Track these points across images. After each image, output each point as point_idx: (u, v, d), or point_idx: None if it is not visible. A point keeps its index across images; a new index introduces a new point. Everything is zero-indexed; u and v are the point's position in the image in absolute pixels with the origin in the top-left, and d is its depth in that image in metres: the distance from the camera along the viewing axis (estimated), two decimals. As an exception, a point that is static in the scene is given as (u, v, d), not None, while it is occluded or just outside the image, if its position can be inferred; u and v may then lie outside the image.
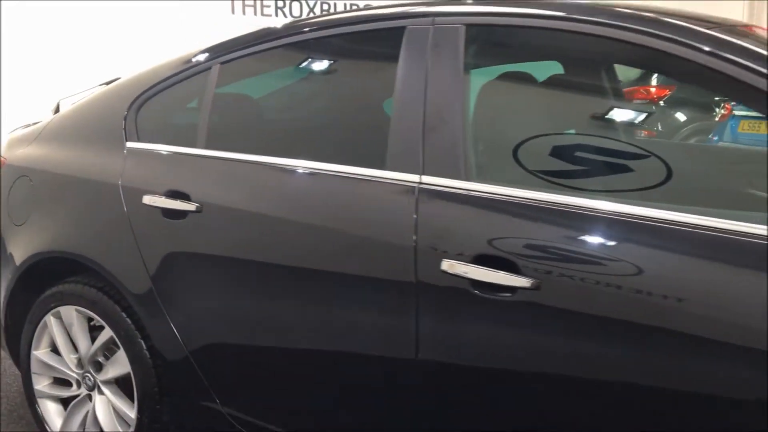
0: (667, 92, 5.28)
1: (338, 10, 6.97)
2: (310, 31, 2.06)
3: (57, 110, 2.64)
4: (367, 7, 2.54)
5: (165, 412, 2.15)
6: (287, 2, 6.74)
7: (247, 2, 6.63)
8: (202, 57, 2.18)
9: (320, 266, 1.81)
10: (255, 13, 6.70)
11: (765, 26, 10.48)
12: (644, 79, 7.28)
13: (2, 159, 2.59)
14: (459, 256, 1.56)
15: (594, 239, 1.49)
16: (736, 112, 6.63)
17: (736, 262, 1.35)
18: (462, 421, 1.65)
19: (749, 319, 1.30)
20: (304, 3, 6.81)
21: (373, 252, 1.71)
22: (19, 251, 2.39)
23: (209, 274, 2.02)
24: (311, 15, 6.89)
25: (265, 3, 6.71)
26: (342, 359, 1.81)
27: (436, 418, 1.69)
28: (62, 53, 5.90)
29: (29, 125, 2.69)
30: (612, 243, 1.47)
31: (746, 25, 2.00)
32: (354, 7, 6.49)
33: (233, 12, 6.63)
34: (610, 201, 1.48)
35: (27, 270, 2.36)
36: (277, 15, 6.78)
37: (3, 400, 2.88)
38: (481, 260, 1.54)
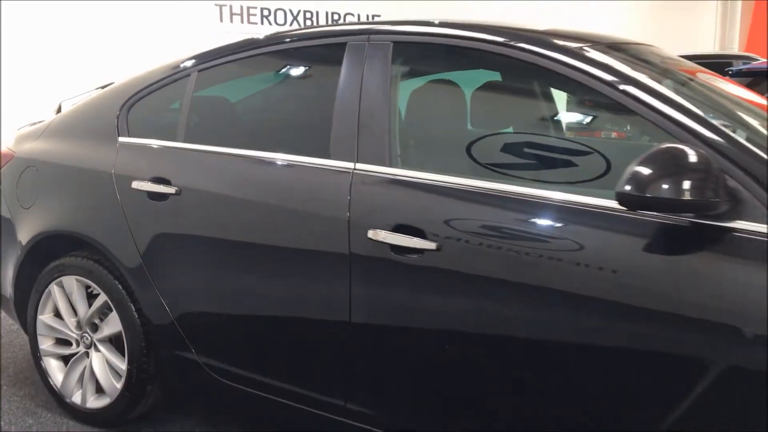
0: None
1: (320, 18, 7.38)
2: (273, 44, 2.46)
3: (59, 110, 3.04)
4: (333, 23, 2.92)
5: (151, 364, 2.55)
6: (272, 11, 7.15)
7: (234, 11, 7.03)
8: (182, 65, 2.59)
9: (276, 241, 2.21)
10: (242, 21, 7.12)
11: (738, 26, 10.74)
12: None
13: (12, 152, 2.99)
14: (381, 227, 1.96)
15: (485, 211, 1.89)
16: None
17: (597, 225, 1.74)
18: (386, 370, 2.05)
19: (620, 273, 1.68)
20: (288, 12, 7.23)
21: (317, 227, 2.11)
22: (27, 230, 2.78)
23: (187, 247, 2.41)
24: (295, 23, 7.29)
25: (251, 12, 7.12)
26: (293, 319, 2.20)
27: (367, 367, 2.08)
28: (60, 59, 6.29)
29: (35, 123, 3.09)
30: (499, 214, 1.86)
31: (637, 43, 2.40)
32: (335, 16, 6.92)
33: (221, 20, 7.04)
34: (498, 182, 1.88)
35: (34, 246, 2.75)
36: (262, 23, 7.21)
37: (11, 365, 3.27)
38: (398, 229, 1.94)
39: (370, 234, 1.97)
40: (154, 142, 2.56)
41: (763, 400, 1.53)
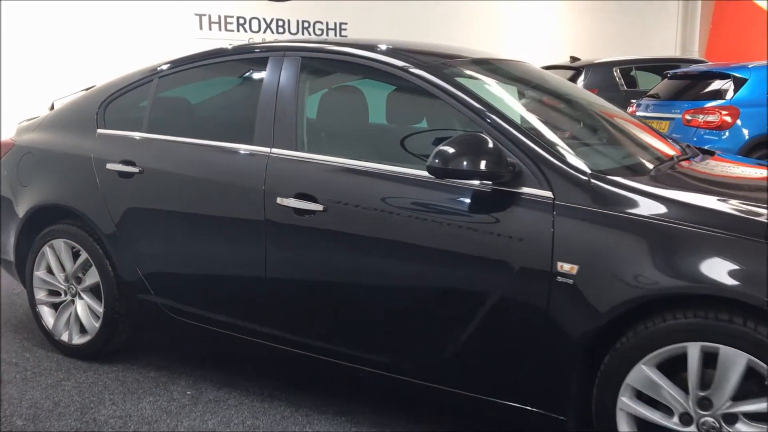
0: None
1: (291, 26, 8.06)
2: (216, 57, 3.16)
3: (52, 107, 3.74)
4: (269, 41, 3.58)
5: (122, 307, 3.24)
6: (248, 19, 7.84)
7: (213, 20, 7.72)
8: (148, 72, 3.28)
9: (214, 209, 2.89)
10: (220, 29, 7.82)
11: (697, 28, 11.42)
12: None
13: (13, 142, 3.69)
14: (287, 195, 2.66)
15: (358, 182, 2.57)
16: (639, 113, 7.75)
17: (424, 189, 2.43)
18: (294, 314, 2.75)
19: (442, 226, 2.38)
20: (261, 20, 7.93)
21: (242, 197, 2.80)
22: (25, 205, 3.48)
23: (148, 215, 3.10)
24: (268, 30, 7.95)
25: (228, 21, 7.82)
26: (227, 266, 2.89)
27: (281, 312, 2.79)
28: (53, 62, 6.99)
29: (32, 118, 3.79)
30: (367, 183, 2.55)
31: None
32: (305, 23, 7.61)
33: (201, 28, 7.73)
34: (369, 161, 2.58)
35: (30, 217, 3.45)
36: (238, 31, 7.91)
37: (12, 317, 3.97)
38: (298, 196, 2.64)
39: (279, 200, 2.67)
40: (125, 133, 3.25)
41: (527, 323, 2.22)
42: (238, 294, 2.90)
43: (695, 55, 11.53)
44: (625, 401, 2.12)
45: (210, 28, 7.72)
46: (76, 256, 3.37)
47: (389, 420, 2.75)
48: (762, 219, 2.07)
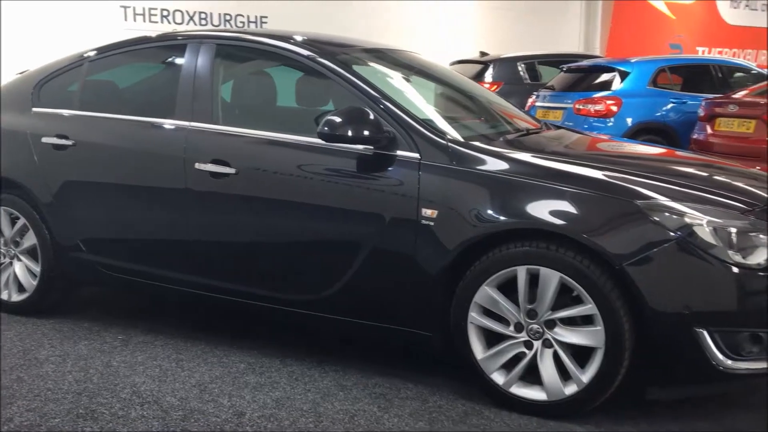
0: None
1: (213, 19, 8.45)
2: (141, 44, 3.60)
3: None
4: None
5: (57, 265, 3.63)
6: (171, 11, 8.19)
7: (137, 12, 8.04)
8: (79, 56, 3.68)
9: (140, 175, 3.33)
10: (144, 21, 8.14)
11: (599, 27, 12.31)
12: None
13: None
14: (204, 161, 3.13)
15: (264, 149, 3.07)
16: (537, 103, 8.45)
17: (316, 153, 2.95)
18: (211, 268, 3.22)
19: (330, 184, 2.91)
20: (185, 12, 8.29)
21: (165, 164, 3.25)
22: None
23: (80, 183, 3.51)
24: (191, 22, 8.31)
25: (152, 12, 8.15)
26: (153, 230, 3.33)
27: (203, 266, 3.25)
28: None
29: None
30: (273, 150, 3.05)
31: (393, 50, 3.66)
32: (227, 16, 8.02)
33: (126, 19, 8.03)
34: (272, 131, 3.08)
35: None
36: (162, 22, 8.25)
37: None
38: (214, 161, 3.11)
39: (197, 165, 3.14)
40: (58, 111, 3.64)
41: (400, 259, 2.77)
42: (162, 246, 3.35)
43: (597, 52, 12.42)
44: (474, 316, 2.70)
45: (135, 20, 8.03)
46: (14, 222, 3.74)
47: (289, 350, 3.26)
48: (578, 172, 2.69)
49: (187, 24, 8.23)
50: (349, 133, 2.78)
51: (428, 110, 3.10)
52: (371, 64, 3.40)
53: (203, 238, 3.23)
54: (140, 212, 3.36)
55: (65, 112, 3.62)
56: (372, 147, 2.85)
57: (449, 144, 2.81)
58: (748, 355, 2.48)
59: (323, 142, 2.88)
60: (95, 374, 3.02)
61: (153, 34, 3.65)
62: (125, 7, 7.79)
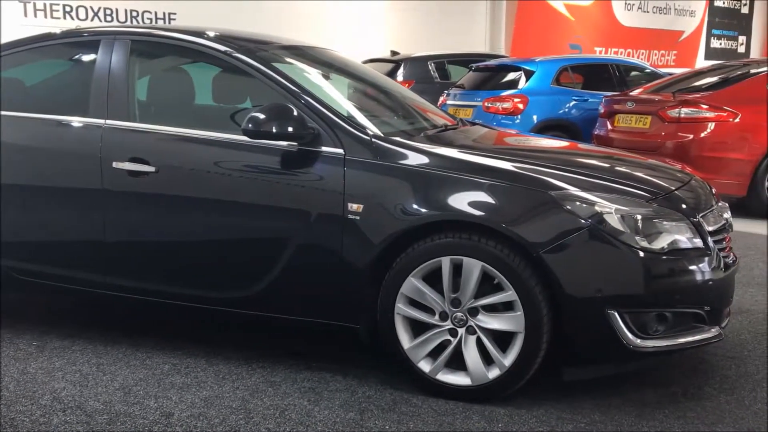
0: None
1: (119, 15, 8.21)
2: (51, 40, 3.48)
3: None
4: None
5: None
6: (74, 7, 7.90)
7: (38, 7, 7.71)
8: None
9: (54, 175, 3.22)
10: (45, 16, 7.81)
11: (503, 27, 12.77)
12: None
13: None
14: (121, 159, 3.07)
15: (185, 147, 3.05)
16: (448, 101, 8.64)
17: (240, 151, 2.95)
18: (133, 269, 3.16)
19: (257, 182, 2.90)
20: (89, 9, 8.02)
21: (80, 163, 3.16)
22: None
23: (8, 189, 3.35)
24: (96, 19, 8.04)
25: (54, 8, 7.83)
26: (70, 232, 3.23)
27: (124, 268, 3.18)
28: None
29: None
30: (194, 148, 3.03)
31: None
32: (134, 13, 7.81)
33: (26, 15, 7.69)
34: (193, 129, 3.05)
35: None
36: (65, 18, 7.95)
37: None
38: (132, 160, 3.06)
39: (114, 164, 3.08)
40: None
41: (326, 254, 2.80)
42: (80, 249, 3.26)
43: (501, 52, 12.82)
44: (401, 306, 2.77)
45: (36, 16, 7.69)
46: None
47: (215, 349, 3.24)
48: (495, 165, 2.81)
49: (92, 21, 7.95)
50: (274, 130, 2.79)
51: (350, 107, 3.15)
52: (291, 60, 3.42)
53: (123, 239, 3.16)
54: (55, 214, 3.25)
55: (-31, 111, 3.46)
56: (296, 143, 2.88)
57: (373, 140, 2.87)
58: (655, 334, 2.67)
59: (247, 138, 2.88)
60: (11, 382, 2.91)
61: (58, 31, 3.54)
62: (25, 3, 7.45)
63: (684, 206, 2.79)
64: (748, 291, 4.21)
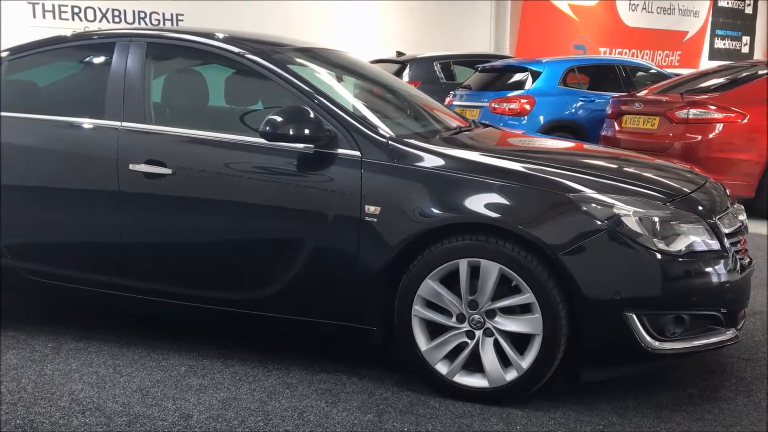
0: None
1: (127, 16, 8.22)
2: (65, 42, 3.49)
3: None
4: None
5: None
6: (83, 8, 7.90)
7: (47, 9, 7.72)
8: (-3, 56, 3.54)
9: (70, 179, 3.23)
10: (54, 17, 7.82)
11: (508, 27, 12.79)
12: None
13: None
14: (138, 161, 3.07)
15: (201, 150, 3.06)
16: (455, 102, 8.64)
17: (257, 154, 2.96)
18: (148, 271, 3.17)
19: (274, 185, 2.91)
20: (97, 9, 8.02)
21: (97, 165, 3.17)
22: None
23: (8, 188, 3.34)
24: (104, 20, 8.04)
25: (62, 9, 7.84)
26: (85, 234, 3.24)
27: (139, 270, 3.19)
28: None
29: None
30: (210, 151, 3.04)
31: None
32: (142, 14, 7.81)
33: (35, 17, 7.70)
34: (208, 131, 3.06)
35: None
36: (74, 19, 7.95)
37: None
38: (148, 162, 3.06)
39: (131, 166, 3.08)
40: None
41: (343, 256, 2.80)
42: (95, 250, 3.27)
43: (506, 52, 12.82)
44: (418, 308, 2.77)
45: (44, 17, 7.70)
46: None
47: (230, 350, 3.25)
48: (512, 167, 2.81)
49: (100, 22, 7.95)
50: (291, 132, 2.80)
51: (365, 109, 3.15)
52: (304, 62, 3.42)
53: (139, 241, 3.17)
54: (70, 215, 3.26)
55: (-16, 113, 3.46)
56: (313, 145, 2.89)
57: (389, 142, 2.87)
58: (672, 336, 2.67)
59: (264, 141, 2.89)
60: (29, 383, 2.92)
61: (69, 33, 3.55)
62: (34, 4, 7.45)
63: (700, 208, 2.79)
64: (760, 292, 4.22)
